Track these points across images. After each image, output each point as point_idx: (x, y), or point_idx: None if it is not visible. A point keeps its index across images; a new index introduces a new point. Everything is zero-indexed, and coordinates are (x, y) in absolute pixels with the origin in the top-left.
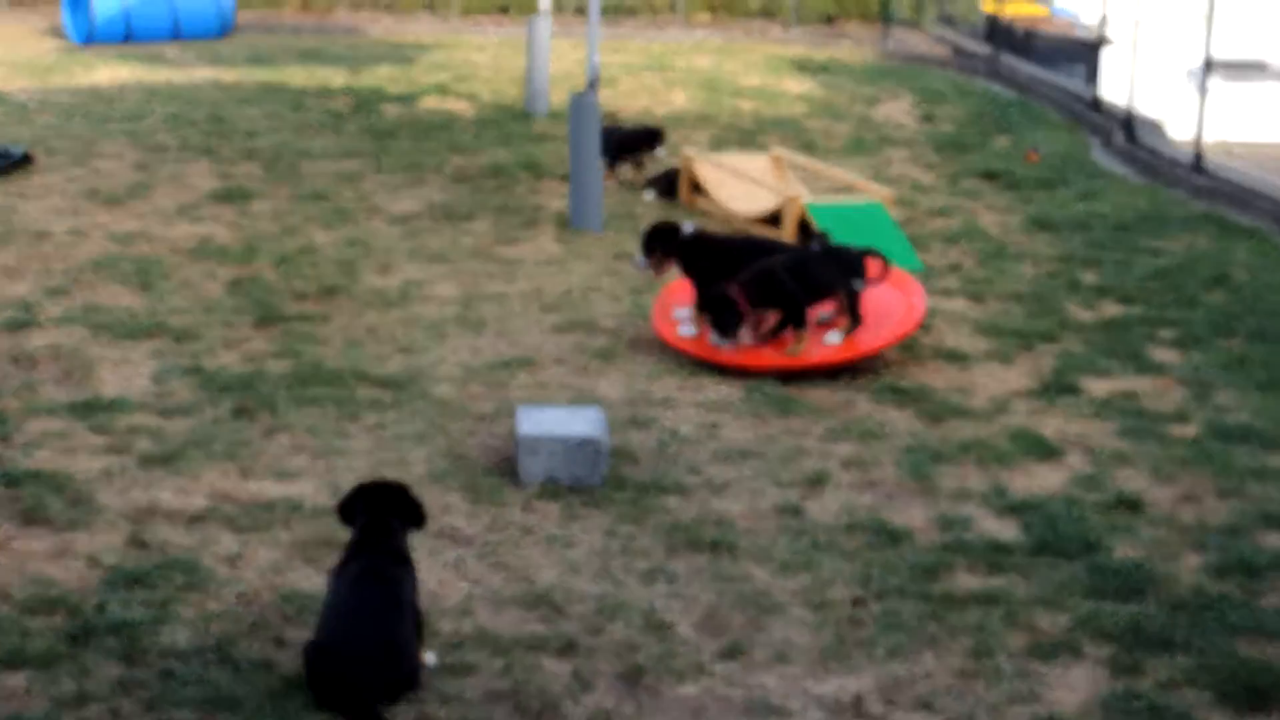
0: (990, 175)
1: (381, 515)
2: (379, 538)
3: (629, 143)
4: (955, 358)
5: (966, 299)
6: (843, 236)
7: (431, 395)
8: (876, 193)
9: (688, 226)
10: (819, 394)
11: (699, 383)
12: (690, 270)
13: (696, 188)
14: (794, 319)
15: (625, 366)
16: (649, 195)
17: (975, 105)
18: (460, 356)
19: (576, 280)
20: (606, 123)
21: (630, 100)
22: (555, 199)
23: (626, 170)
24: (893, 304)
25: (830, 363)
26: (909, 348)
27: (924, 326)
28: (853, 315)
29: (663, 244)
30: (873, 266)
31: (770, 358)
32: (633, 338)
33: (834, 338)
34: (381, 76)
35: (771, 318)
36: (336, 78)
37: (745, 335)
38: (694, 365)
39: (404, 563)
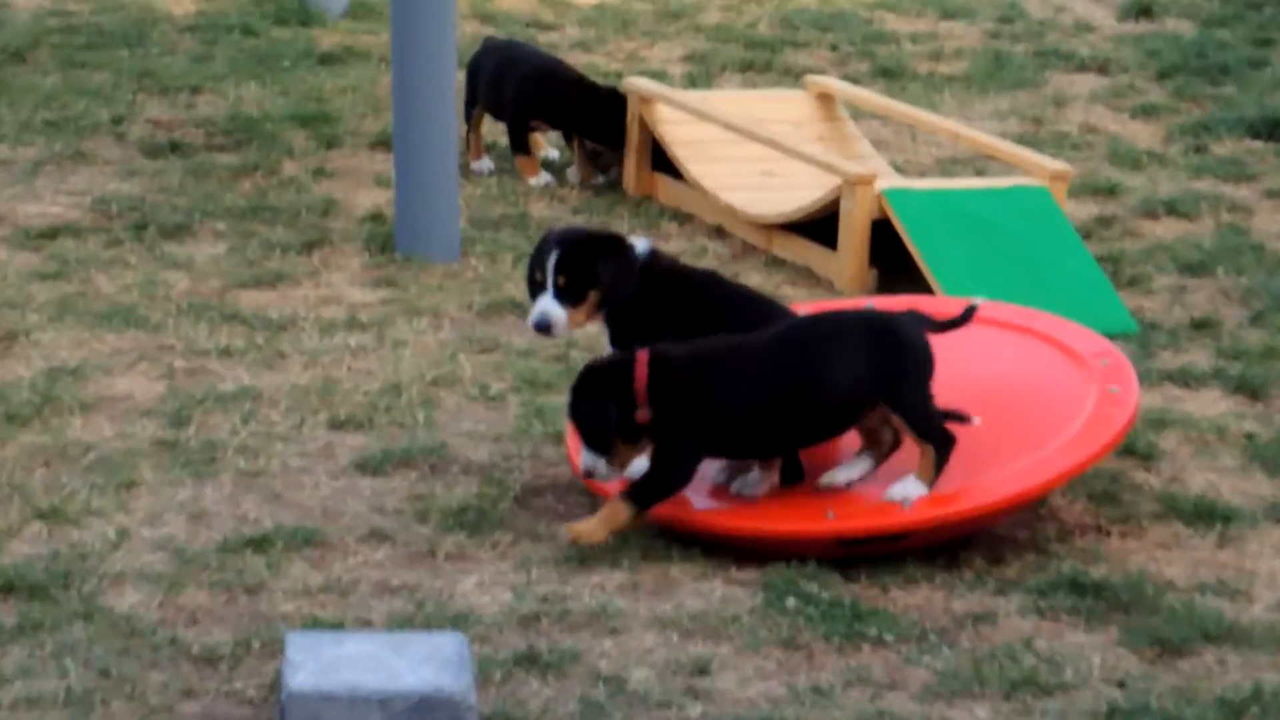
0: (1273, 131)
1: None
2: None
3: (537, 99)
4: (1207, 515)
5: (1228, 392)
6: (965, 262)
7: (103, 611)
8: (1035, 168)
9: (639, 243)
10: (913, 594)
11: (666, 575)
12: (636, 330)
13: (659, 160)
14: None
15: (514, 545)
16: (543, 179)
17: None
18: (163, 528)
19: (408, 365)
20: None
21: None
22: (365, 191)
23: (535, 149)
24: (1062, 394)
25: (930, 524)
26: (1107, 494)
27: (1133, 447)
28: (927, 435)
29: (592, 275)
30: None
31: (808, 522)
32: (529, 483)
33: (843, 475)
34: None
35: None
36: None
37: (760, 481)
38: (657, 538)
39: None
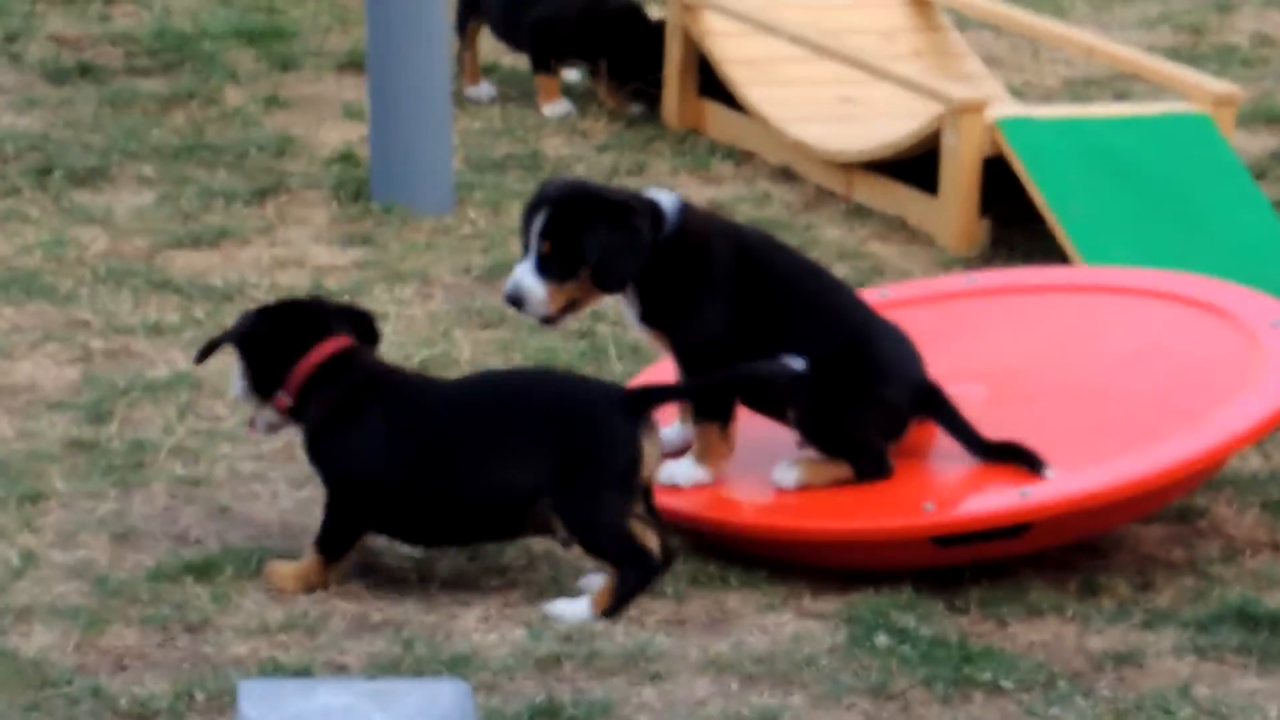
0: None
1: None
2: None
3: (552, 25)
4: None
5: None
6: (1103, 211)
7: (8, 655)
8: (1194, 90)
9: (665, 199)
10: (1038, 629)
11: (722, 606)
12: (665, 310)
13: (708, 84)
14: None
15: (527, 571)
16: (561, 108)
17: None
18: (81, 550)
19: (390, 343)
20: None
21: None
22: (331, 125)
23: (555, 76)
24: (1220, 366)
25: (1055, 512)
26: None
27: None
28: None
29: (580, 247)
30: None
31: (898, 517)
32: None
33: (785, 476)
34: None
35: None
36: None
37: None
38: (709, 560)
39: None
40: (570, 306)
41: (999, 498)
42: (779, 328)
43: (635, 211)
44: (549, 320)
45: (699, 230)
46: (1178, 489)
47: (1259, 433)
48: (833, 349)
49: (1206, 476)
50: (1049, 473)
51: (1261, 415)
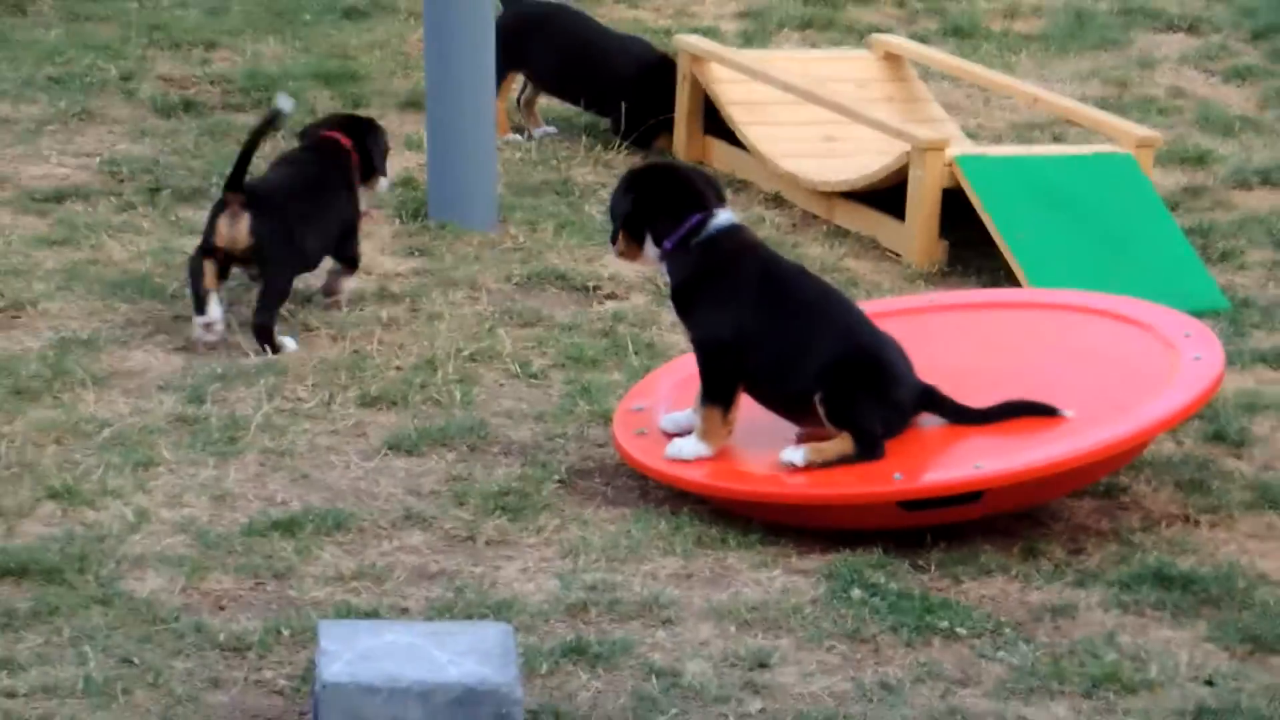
0: None
1: None
2: None
3: (580, 67)
4: None
5: None
6: (1044, 235)
7: (122, 596)
8: (1119, 134)
9: (723, 215)
10: (987, 586)
11: (722, 563)
12: (692, 302)
13: (711, 123)
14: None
15: (560, 531)
16: (537, 134)
17: None
18: (185, 509)
19: (444, 339)
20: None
21: None
22: (395, 154)
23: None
24: (1146, 368)
25: (1004, 482)
26: (1195, 482)
27: (1223, 433)
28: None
29: (656, 217)
30: None
31: (870, 485)
32: (574, 465)
33: (794, 455)
34: None
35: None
36: None
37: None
38: (712, 524)
39: None
40: (626, 254)
41: (957, 470)
42: (801, 337)
43: (653, 191)
44: (621, 255)
45: (731, 246)
46: (1106, 466)
47: (1173, 421)
48: (846, 355)
49: (1130, 457)
50: (1067, 412)
51: (1176, 408)
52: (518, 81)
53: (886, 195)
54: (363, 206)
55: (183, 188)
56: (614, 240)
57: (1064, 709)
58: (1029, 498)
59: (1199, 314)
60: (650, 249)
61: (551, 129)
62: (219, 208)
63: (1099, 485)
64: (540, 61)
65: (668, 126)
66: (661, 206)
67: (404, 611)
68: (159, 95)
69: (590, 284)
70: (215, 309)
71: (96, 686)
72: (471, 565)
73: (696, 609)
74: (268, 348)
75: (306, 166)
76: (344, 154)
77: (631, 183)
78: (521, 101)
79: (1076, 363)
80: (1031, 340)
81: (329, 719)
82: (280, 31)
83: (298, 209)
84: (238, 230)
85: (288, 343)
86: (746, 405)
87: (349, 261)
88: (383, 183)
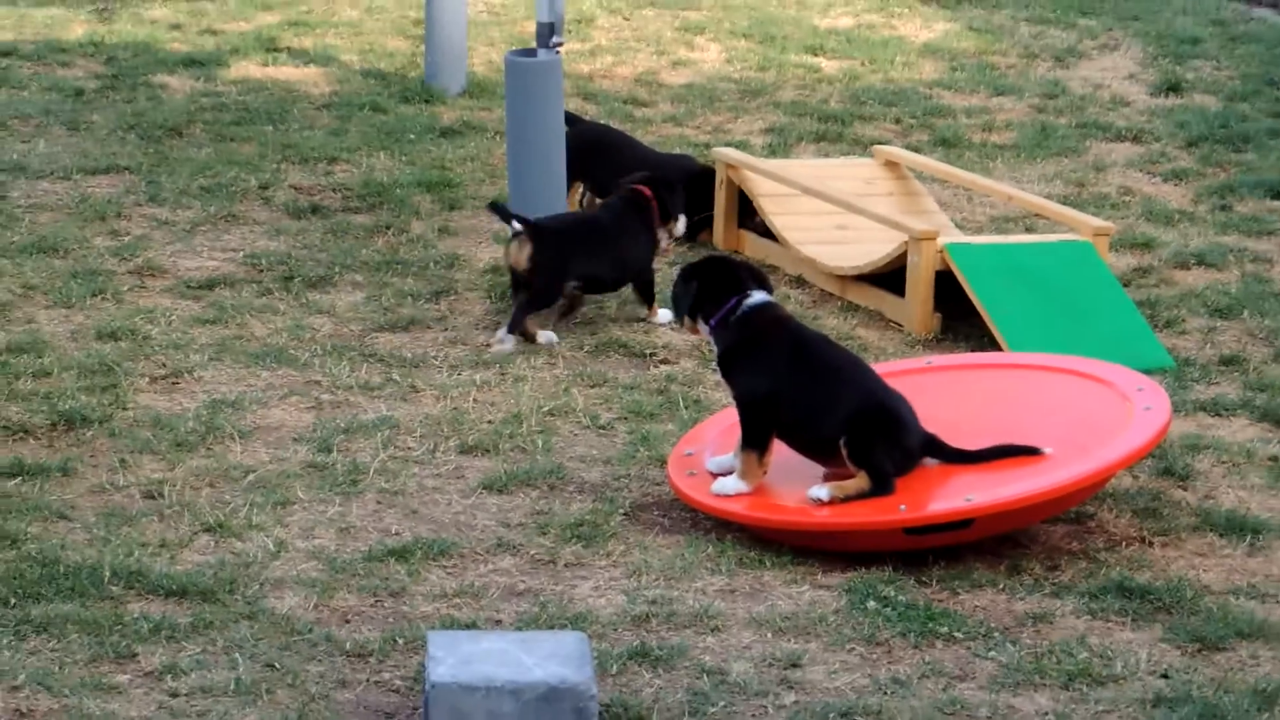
0: None
1: None
2: None
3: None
4: (1238, 527)
5: (1254, 420)
6: (1020, 308)
7: (265, 612)
8: (1080, 225)
9: (757, 294)
10: (979, 598)
11: (760, 580)
12: (733, 367)
13: (744, 217)
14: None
15: (625, 555)
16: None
17: (1258, 60)
18: (316, 540)
19: (527, 397)
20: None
21: (617, 61)
22: (484, 247)
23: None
24: (1105, 417)
25: (991, 511)
26: (1149, 510)
27: (1171, 469)
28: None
29: (704, 301)
30: None
31: (880, 514)
32: (637, 500)
33: (820, 492)
34: (158, 20)
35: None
36: (73, 24)
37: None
38: (751, 549)
39: None
40: (689, 329)
41: (951, 502)
42: (829, 392)
43: (702, 271)
44: (686, 329)
45: (763, 321)
46: (1076, 498)
47: (1130, 460)
48: (866, 407)
49: (1095, 490)
50: (1047, 449)
51: (1132, 449)
52: (578, 189)
53: (890, 276)
54: (662, 244)
55: (311, 276)
56: (680, 321)
57: (1045, 699)
58: (1013, 524)
59: (1149, 372)
60: (702, 325)
61: None
62: (511, 238)
63: (1070, 513)
64: (599, 173)
65: (708, 223)
66: (707, 292)
67: (497, 623)
68: (291, 201)
69: (647, 351)
70: (507, 340)
71: (245, 687)
72: (552, 584)
73: (739, 618)
74: (519, 334)
75: (608, 211)
76: (645, 202)
77: (687, 275)
78: (584, 204)
79: (1049, 414)
80: (1012, 395)
81: (437, 713)
82: (389, 148)
83: (570, 241)
84: (520, 255)
85: (546, 336)
86: (778, 449)
87: (644, 287)
88: (680, 222)
